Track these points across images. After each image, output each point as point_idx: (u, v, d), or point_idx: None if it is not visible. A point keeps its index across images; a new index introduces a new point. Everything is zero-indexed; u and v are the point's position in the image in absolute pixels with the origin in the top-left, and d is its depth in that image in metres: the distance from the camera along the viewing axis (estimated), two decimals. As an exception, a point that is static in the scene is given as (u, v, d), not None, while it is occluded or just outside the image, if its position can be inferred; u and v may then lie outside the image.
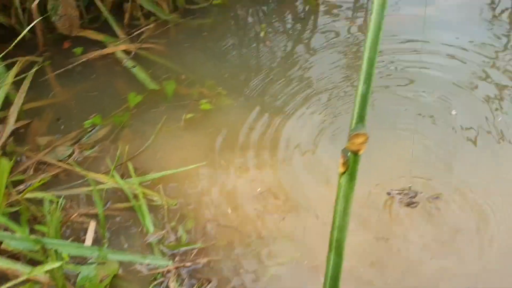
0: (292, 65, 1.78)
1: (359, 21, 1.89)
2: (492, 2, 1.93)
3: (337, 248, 0.72)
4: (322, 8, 1.92)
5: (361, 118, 0.66)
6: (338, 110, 1.61)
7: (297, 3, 1.95)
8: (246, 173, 1.45)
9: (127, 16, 1.95)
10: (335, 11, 1.92)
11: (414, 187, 1.35)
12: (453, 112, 1.57)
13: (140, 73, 1.77)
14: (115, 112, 1.65)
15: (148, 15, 1.98)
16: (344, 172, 0.68)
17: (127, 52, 1.86)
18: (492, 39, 1.79)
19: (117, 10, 1.93)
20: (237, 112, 1.62)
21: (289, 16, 1.95)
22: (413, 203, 1.32)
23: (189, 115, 1.60)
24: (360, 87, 0.64)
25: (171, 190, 1.44)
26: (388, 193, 1.36)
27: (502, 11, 1.89)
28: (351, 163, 0.67)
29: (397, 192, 1.34)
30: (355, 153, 0.66)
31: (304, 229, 1.33)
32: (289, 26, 1.92)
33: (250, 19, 1.95)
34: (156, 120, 1.62)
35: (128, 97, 1.69)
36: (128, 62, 1.81)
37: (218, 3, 2.01)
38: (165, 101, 1.68)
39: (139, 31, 1.94)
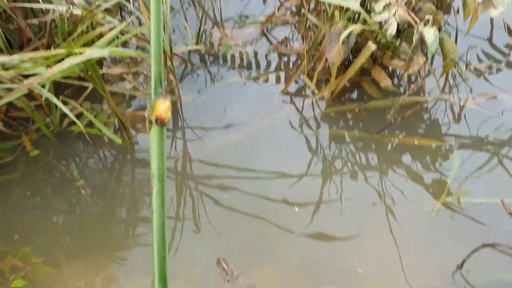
0: (114, 212, 1.70)
1: (176, 155, 1.90)
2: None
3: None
4: (137, 147, 1.90)
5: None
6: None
7: (111, 145, 1.90)
8: None
9: None
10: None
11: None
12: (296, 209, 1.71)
13: None
14: None
15: None
16: None
17: None
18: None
19: None
20: (58, 283, 1.45)
21: (104, 158, 1.89)
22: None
23: (-2, 298, 1.38)
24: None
25: None
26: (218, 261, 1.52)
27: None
28: None
29: (225, 265, 1.51)
30: None
31: None
32: (105, 168, 1.85)
33: (63, 168, 1.83)
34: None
35: None
36: None
37: (36, 154, 1.85)
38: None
39: None
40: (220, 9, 2.50)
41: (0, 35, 1.83)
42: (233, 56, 2.27)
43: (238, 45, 2.33)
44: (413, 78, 2.11)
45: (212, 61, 2.26)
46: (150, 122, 0.58)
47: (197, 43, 2.29)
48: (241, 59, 2.26)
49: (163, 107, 0.57)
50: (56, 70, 1.49)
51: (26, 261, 1.49)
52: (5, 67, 1.67)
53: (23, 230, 1.61)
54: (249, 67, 2.23)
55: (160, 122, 0.57)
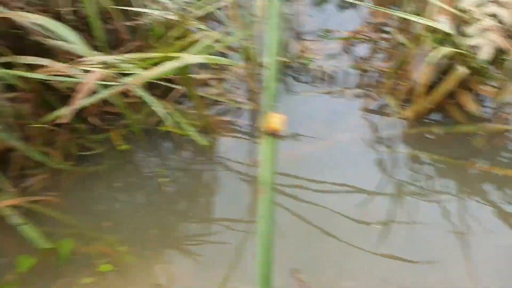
0: (194, 211, 1.76)
1: (253, 162, 1.95)
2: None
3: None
4: (219, 150, 1.97)
5: None
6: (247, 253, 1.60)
7: (194, 146, 1.98)
8: None
9: (13, 167, 1.83)
10: (231, 150, 1.98)
11: None
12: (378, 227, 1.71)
13: (29, 231, 1.62)
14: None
15: (38, 162, 1.88)
16: None
17: (14, 207, 1.72)
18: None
19: (1, 160, 1.81)
20: (141, 270, 1.53)
21: (188, 158, 1.97)
22: None
23: (86, 280, 1.47)
24: None
25: None
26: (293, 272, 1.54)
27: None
28: None
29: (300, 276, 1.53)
30: None
31: None
32: (187, 168, 1.93)
33: (148, 164, 1.93)
34: (47, 287, 1.46)
35: (17, 260, 1.52)
36: (15, 219, 1.66)
37: (124, 148, 1.97)
38: (58, 263, 1.54)
39: (27, 183, 1.82)
40: (303, 22, 2.54)
41: (101, 36, 1.95)
42: (313, 69, 2.30)
43: (319, 59, 2.36)
44: (501, 105, 2.05)
45: (292, 72, 2.30)
46: (264, 133, 0.61)
47: (279, 54, 2.34)
48: (322, 72, 2.29)
49: (277, 120, 0.60)
50: (156, 72, 1.57)
51: (113, 248, 1.58)
52: (106, 66, 1.78)
53: (109, 220, 1.71)
54: (329, 81, 2.24)
55: (273, 134, 0.60)
